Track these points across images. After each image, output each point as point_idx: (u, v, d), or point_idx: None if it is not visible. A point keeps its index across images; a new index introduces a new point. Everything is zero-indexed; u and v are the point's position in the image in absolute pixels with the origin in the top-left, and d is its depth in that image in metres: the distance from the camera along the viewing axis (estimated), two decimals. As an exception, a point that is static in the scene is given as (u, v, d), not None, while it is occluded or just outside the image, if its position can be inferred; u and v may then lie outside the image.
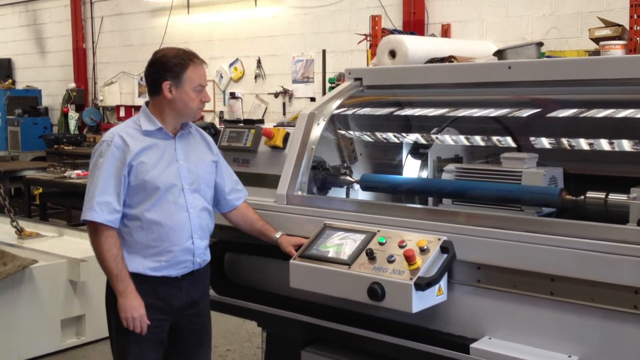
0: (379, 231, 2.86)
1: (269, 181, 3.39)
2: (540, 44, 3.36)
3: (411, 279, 2.59)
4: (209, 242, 3.17)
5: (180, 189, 3.02)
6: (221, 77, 11.48)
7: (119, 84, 13.35)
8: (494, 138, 3.54)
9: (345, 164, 3.54)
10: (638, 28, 5.72)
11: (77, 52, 13.90)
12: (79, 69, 13.91)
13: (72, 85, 13.80)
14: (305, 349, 3.36)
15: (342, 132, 3.59)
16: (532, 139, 3.35)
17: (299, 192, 3.23)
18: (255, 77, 11.11)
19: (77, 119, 13.59)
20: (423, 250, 2.66)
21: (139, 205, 2.97)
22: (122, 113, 13.16)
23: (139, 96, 12.76)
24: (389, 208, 3.08)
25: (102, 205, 2.90)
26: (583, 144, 3.18)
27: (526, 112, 3.47)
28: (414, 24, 8.92)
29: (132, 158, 2.94)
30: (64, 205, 9.88)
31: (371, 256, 2.74)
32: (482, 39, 8.44)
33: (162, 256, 3.00)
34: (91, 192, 2.93)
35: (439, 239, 2.69)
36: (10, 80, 14.40)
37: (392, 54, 3.66)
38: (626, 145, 3.04)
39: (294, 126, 3.40)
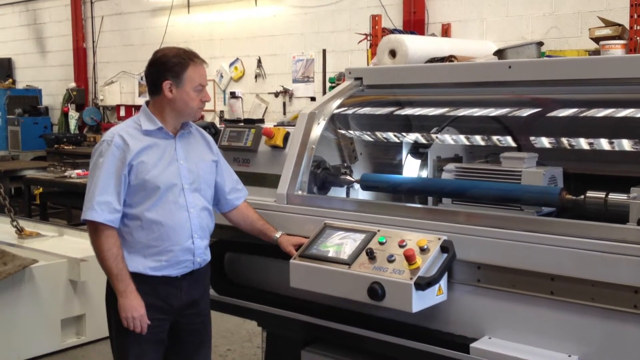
0: (379, 231, 2.86)
1: (269, 181, 3.39)
2: (540, 44, 3.36)
3: (411, 278, 2.59)
4: (209, 242, 3.17)
5: (180, 188, 3.02)
6: (221, 76, 11.48)
7: (119, 83, 13.35)
8: (494, 137, 3.54)
9: (345, 164, 3.54)
10: (638, 27, 5.72)
11: (77, 52, 13.90)
12: (79, 69, 13.91)
13: (73, 84, 13.80)
14: (305, 349, 3.36)
15: (342, 131, 3.60)
16: (532, 138, 3.35)
17: (299, 192, 3.24)
18: (256, 77, 11.11)
19: (78, 118, 13.59)
20: (423, 250, 2.66)
21: (139, 205, 2.97)
22: (122, 112, 13.17)
23: (139, 96, 12.76)
24: (389, 208, 3.08)
25: (102, 204, 2.90)
26: (583, 143, 3.18)
27: (526, 112, 3.47)
28: (414, 24, 8.92)
29: (132, 158, 2.94)
30: (64, 205, 9.88)
31: (371, 256, 2.74)
32: (483, 39, 8.44)
33: (162, 256, 3.00)
34: (91, 191, 2.93)
35: (439, 239, 2.69)
36: (10, 80, 14.41)
37: (393, 53, 3.66)
38: (626, 144, 3.04)
39: (294, 126, 3.40)
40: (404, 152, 3.66)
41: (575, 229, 2.48)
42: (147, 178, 2.96)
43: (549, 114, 3.35)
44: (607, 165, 3.27)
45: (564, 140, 3.25)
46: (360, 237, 2.87)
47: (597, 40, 5.66)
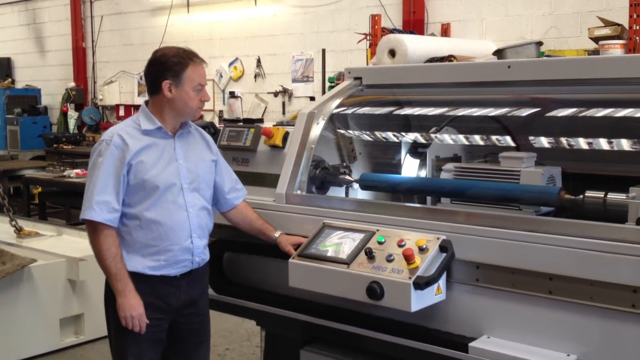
0: (378, 230, 2.86)
1: (269, 180, 3.39)
2: (539, 43, 3.35)
3: (410, 278, 2.59)
4: (208, 242, 3.17)
5: (179, 188, 3.02)
6: (221, 76, 11.48)
7: (119, 83, 13.35)
8: (493, 137, 3.54)
9: (344, 163, 3.54)
10: (637, 27, 5.72)
11: (76, 51, 13.90)
12: (79, 68, 13.91)
13: (72, 84, 13.80)
14: (304, 348, 3.36)
15: (342, 131, 3.60)
16: (530, 138, 3.35)
17: (298, 192, 3.24)
18: (255, 77, 11.11)
19: (77, 118, 13.59)
20: (422, 250, 2.66)
21: (138, 205, 2.97)
22: (121, 112, 13.16)
23: (139, 95, 12.76)
24: (388, 207, 3.08)
25: (101, 204, 2.90)
26: (582, 143, 3.19)
27: (525, 112, 3.47)
28: (414, 23, 8.92)
29: (131, 157, 2.94)
30: (63, 205, 9.88)
31: (370, 255, 2.75)
32: (482, 39, 8.44)
33: (161, 255, 3.00)
34: (90, 191, 2.93)
35: (438, 238, 2.69)
36: (9, 80, 14.40)
37: (392, 53, 3.66)
38: (625, 144, 3.04)
39: (293, 125, 3.40)
40: (403, 151, 3.66)
41: (574, 228, 2.48)
42: (146, 178, 2.96)
43: (548, 114, 3.35)
44: (605, 165, 3.27)
45: (563, 140, 3.25)
46: (359, 236, 2.87)
47: (596, 40, 5.67)
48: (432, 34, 8.67)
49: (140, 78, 12.43)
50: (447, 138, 3.55)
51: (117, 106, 13.33)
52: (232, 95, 11.38)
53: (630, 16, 5.80)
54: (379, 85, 3.55)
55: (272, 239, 3.17)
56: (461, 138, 3.59)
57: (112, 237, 2.94)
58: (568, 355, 2.49)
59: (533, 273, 2.52)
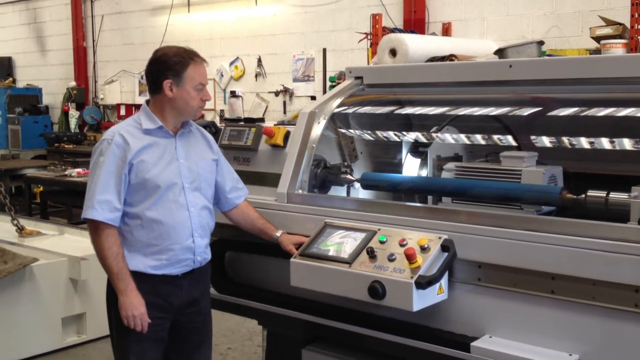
0: (379, 230, 2.86)
1: (270, 180, 3.39)
2: (541, 43, 3.35)
3: (412, 277, 2.59)
4: (209, 241, 3.17)
5: (180, 187, 3.02)
6: (222, 75, 11.49)
7: (120, 82, 13.36)
8: (494, 137, 3.54)
9: (345, 163, 3.54)
10: (639, 27, 5.72)
11: (77, 51, 13.91)
12: (80, 68, 13.92)
13: (73, 83, 13.81)
14: (306, 348, 3.36)
15: (343, 130, 3.59)
16: (532, 137, 3.35)
17: (300, 191, 3.24)
18: (256, 76, 11.11)
19: (78, 117, 13.60)
20: (424, 249, 2.66)
21: (140, 204, 2.97)
22: (122, 111, 13.17)
23: (140, 95, 12.77)
24: (390, 207, 3.08)
25: (102, 203, 2.90)
26: (583, 142, 3.18)
27: (526, 111, 3.47)
28: (415, 23, 8.92)
29: (132, 156, 2.94)
30: (64, 204, 9.88)
31: (372, 255, 2.75)
32: (483, 38, 8.44)
33: (162, 254, 3.00)
34: (92, 190, 2.93)
35: (440, 238, 2.69)
36: (10, 79, 14.41)
37: (393, 52, 3.65)
38: (626, 143, 3.04)
39: (294, 125, 3.40)
40: (404, 151, 3.66)
41: (576, 228, 2.48)
42: (147, 177, 2.96)
43: (550, 113, 3.35)
44: (607, 165, 3.27)
45: (565, 139, 3.25)
46: (360, 236, 2.87)
47: (597, 39, 5.67)
48: (433, 34, 8.67)
49: (141, 77, 12.44)
50: (448, 137, 3.55)
51: (118, 105, 13.34)
52: (233, 94, 11.38)
53: (632, 15, 5.79)
54: (380, 85, 3.55)
55: (273, 239, 3.18)
56: (462, 137, 3.59)
57: (114, 237, 2.94)
58: (570, 354, 2.49)
59: (535, 272, 2.52)
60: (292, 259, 2.97)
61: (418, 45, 3.70)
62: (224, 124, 3.72)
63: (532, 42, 3.33)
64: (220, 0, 11.39)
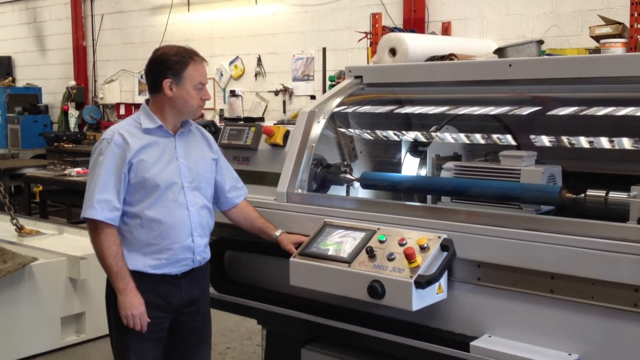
0: (379, 229, 2.86)
1: (269, 179, 3.39)
2: (540, 42, 3.35)
3: (411, 277, 2.59)
4: (209, 240, 3.17)
5: (180, 186, 3.02)
6: (221, 75, 11.48)
7: (119, 81, 13.36)
8: (493, 136, 3.54)
9: (345, 162, 3.54)
10: (638, 26, 5.72)
11: (77, 50, 13.91)
12: (79, 67, 13.91)
13: (72, 83, 13.81)
14: (305, 347, 3.36)
15: (342, 130, 3.59)
16: (531, 137, 3.35)
17: (299, 190, 3.23)
18: (256, 75, 11.11)
19: (77, 116, 13.60)
20: (423, 248, 2.66)
21: (139, 203, 2.97)
22: (122, 111, 13.17)
23: (139, 94, 12.77)
24: (389, 206, 3.08)
25: (102, 203, 2.90)
26: (583, 142, 3.18)
27: (526, 110, 3.47)
28: (415, 22, 8.92)
29: (132, 156, 2.94)
30: (64, 203, 9.87)
31: (371, 254, 2.74)
32: (483, 37, 8.44)
33: (162, 254, 3.00)
34: (91, 189, 2.93)
35: (439, 237, 2.69)
36: (10, 78, 14.41)
37: (393, 51, 3.65)
38: (626, 143, 3.04)
39: (294, 124, 3.40)
40: (404, 150, 3.66)
41: (575, 227, 2.48)
42: (147, 176, 2.96)
43: (549, 113, 3.35)
44: (606, 164, 3.27)
45: (564, 138, 3.25)
46: (360, 235, 2.87)
47: (597, 38, 5.67)
48: (433, 33, 8.67)
49: (141, 77, 12.43)
50: (448, 137, 3.55)
51: (117, 105, 13.34)
52: (233, 94, 11.38)
53: (632, 15, 5.79)
54: (379, 84, 3.55)
55: (273, 238, 3.17)
56: (461, 137, 3.59)
57: (113, 236, 2.94)
58: (569, 354, 2.48)
59: (534, 272, 2.51)
60: (291, 259, 2.97)
61: (418, 45, 3.70)
62: (223, 124, 3.71)
63: (532, 41, 3.33)
64: (220, 0, 11.38)
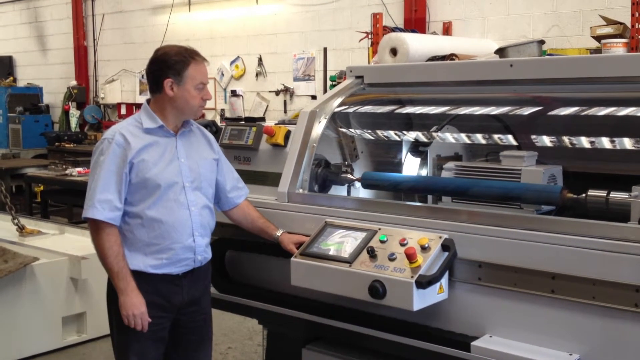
0: (380, 229, 2.86)
1: (270, 179, 3.39)
2: (541, 42, 3.35)
3: (412, 277, 2.59)
4: (210, 240, 3.18)
5: (181, 186, 3.03)
6: (222, 74, 11.48)
7: (120, 81, 13.36)
8: (494, 136, 3.54)
9: (346, 162, 3.54)
10: (639, 26, 5.71)
11: (78, 50, 13.91)
12: (80, 67, 13.92)
13: (73, 82, 13.81)
14: (306, 347, 3.36)
15: (344, 130, 3.59)
16: (532, 137, 3.35)
17: (300, 190, 3.24)
18: (257, 75, 11.11)
19: (78, 116, 13.60)
20: (424, 249, 2.66)
21: (140, 203, 2.98)
22: (123, 111, 13.16)
23: (140, 94, 12.77)
24: (390, 206, 3.08)
25: (103, 203, 2.91)
26: (584, 142, 3.18)
27: (527, 110, 3.47)
28: (415, 22, 8.92)
29: (133, 156, 2.94)
30: (65, 203, 9.88)
31: (372, 254, 2.75)
32: (484, 37, 8.43)
33: (163, 254, 3.00)
34: (92, 189, 2.94)
35: (440, 237, 2.69)
36: (11, 78, 14.41)
37: (394, 51, 3.65)
38: (627, 143, 3.04)
39: (295, 124, 3.40)
40: (404, 150, 3.66)
41: (576, 227, 2.48)
42: (148, 176, 2.96)
43: (550, 113, 3.35)
44: (607, 164, 3.27)
45: (565, 138, 3.24)
46: (361, 235, 2.87)
47: (598, 38, 5.66)
48: (434, 33, 8.66)
49: (142, 76, 12.43)
50: (449, 137, 3.55)
51: (118, 104, 13.34)
52: (234, 93, 11.38)
53: (633, 15, 5.78)
54: (380, 84, 3.55)
55: (274, 238, 3.18)
56: (462, 137, 3.59)
57: (114, 236, 2.94)
58: (570, 354, 2.48)
59: (535, 272, 2.51)
60: (292, 259, 2.97)
61: (419, 45, 3.70)
62: (224, 123, 3.72)
63: (533, 41, 3.33)
64: (221, 0, 11.38)
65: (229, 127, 3.62)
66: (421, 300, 2.61)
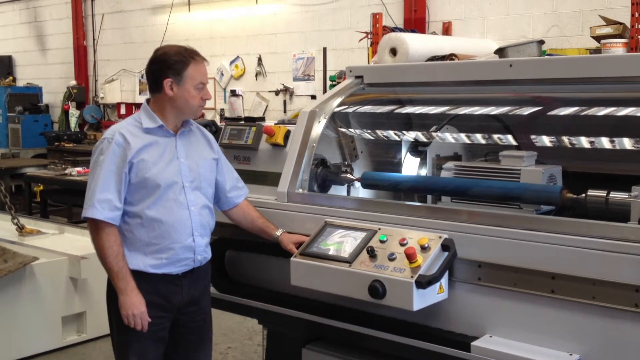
0: (379, 229, 2.86)
1: (270, 179, 3.39)
2: (541, 42, 3.35)
3: (412, 277, 2.59)
4: (209, 240, 3.18)
5: (181, 186, 3.03)
6: (222, 74, 11.48)
7: (120, 81, 13.36)
8: (494, 136, 3.54)
9: (346, 162, 3.54)
10: (639, 26, 5.71)
11: (77, 50, 13.90)
12: (80, 67, 13.91)
13: (73, 82, 13.81)
14: (306, 347, 3.36)
15: (343, 129, 3.59)
16: (532, 137, 3.35)
17: (300, 190, 3.23)
18: (256, 75, 11.11)
19: (78, 116, 13.60)
20: (424, 248, 2.66)
21: (140, 203, 2.97)
22: (122, 110, 13.16)
23: (140, 94, 12.77)
24: (390, 206, 3.08)
25: (103, 202, 2.91)
26: (583, 142, 3.18)
27: (526, 110, 3.47)
28: (415, 22, 8.92)
29: (132, 155, 2.94)
30: (64, 203, 9.88)
31: (372, 254, 2.74)
32: (483, 37, 8.44)
33: (162, 254, 3.00)
34: (92, 189, 2.94)
35: (440, 237, 2.69)
36: (11, 78, 14.41)
37: (393, 51, 3.65)
38: (626, 143, 3.04)
39: (294, 124, 3.40)
40: (404, 150, 3.66)
41: (576, 227, 2.48)
42: (147, 176, 2.96)
43: (549, 113, 3.35)
44: (606, 164, 3.27)
45: (564, 138, 3.24)
46: (361, 235, 2.87)
47: (598, 38, 5.66)
48: (434, 33, 8.67)
49: (142, 76, 12.44)
50: (448, 137, 3.55)
51: (118, 104, 13.34)
52: (234, 93, 11.38)
53: (632, 15, 5.79)
54: (380, 84, 3.55)
55: (273, 238, 3.18)
56: (462, 137, 3.59)
57: (114, 236, 2.94)
58: (570, 354, 2.48)
59: (535, 272, 2.51)
60: (292, 258, 2.97)
61: (418, 45, 3.70)
62: (224, 123, 3.72)
63: (533, 41, 3.33)
64: (221, 0, 11.39)
65: (229, 127, 3.62)
66: (421, 300, 2.61)
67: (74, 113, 13.61)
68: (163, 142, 3.04)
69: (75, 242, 5.95)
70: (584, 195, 2.83)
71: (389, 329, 2.88)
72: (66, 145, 11.87)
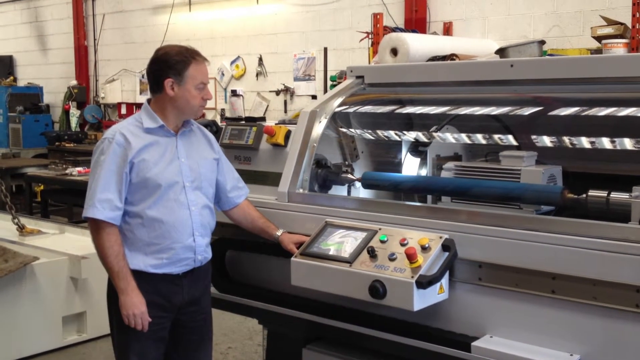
0: (380, 229, 2.86)
1: (271, 179, 3.39)
2: (542, 42, 3.35)
3: (412, 277, 2.59)
4: (210, 240, 3.18)
5: (181, 186, 3.03)
6: (223, 74, 11.49)
7: (121, 81, 13.37)
8: (494, 136, 3.54)
9: (346, 162, 3.54)
10: (640, 26, 5.71)
11: (78, 50, 13.91)
12: (81, 66, 13.92)
13: (74, 82, 13.82)
14: (307, 347, 3.36)
15: (344, 129, 3.59)
16: (532, 137, 3.34)
17: (301, 190, 3.23)
18: (257, 75, 11.11)
19: (79, 116, 13.61)
20: (424, 249, 2.66)
21: (141, 203, 2.98)
22: (123, 110, 13.17)
23: (141, 93, 12.77)
24: (391, 206, 3.08)
25: (103, 202, 2.91)
26: (584, 142, 3.18)
27: (527, 110, 3.47)
28: (416, 22, 8.92)
29: (133, 155, 2.94)
30: (65, 203, 9.88)
31: (372, 254, 2.74)
32: (484, 37, 8.43)
33: (163, 253, 3.00)
34: (93, 189, 2.94)
35: (441, 237, 2.69)
36: (11, 78, 14.42)
37: (394, 51, 3.65)
38: (627, 143, 3.04)
39: (295, 124, 3.40)
40: (404, 150, 3.66)
41: (577, 227, 2.48)
42: (148, 176, 2.96)
43: (550, 113, 3.35)
44: (607, 164, 3.27)
45: (565, 139, 3.24)
46: (361, 235, 2.87)
47: (599, 39, 5.66)
48: (434, 33, 8.66)
49: (142, 76, 12.45)
50: (448, 137, 3.55)
51: (119, 104, 13.35)
52: (234, 93, 11.39)
53: (633, 15, 5.78)
54: (381, 84, 3.55)
55: (274, 238, 3.18)
56: (462, 137, 3.59)
57: (115, 235, 2.94)
58: (571, 354, 2.48)
59: (536, 272, 2.51)
60: (292, 258, 2.97)
61: (419, 45, 3.69)
62: (225, 123, 3.72)
63: (534, 41, 3.32)
64: (221, 0, 11.39)
65: (230, 126, 3.62)
66: (421, 300, 2.61)
67: (74, 113, 13.62)
68: (164, 142, 3.04)
69: (75, 242, 5.95)
70: (584, 195, 2.82)
71: (390, 329, 2.88)
72: (67, 145, 11.87)
